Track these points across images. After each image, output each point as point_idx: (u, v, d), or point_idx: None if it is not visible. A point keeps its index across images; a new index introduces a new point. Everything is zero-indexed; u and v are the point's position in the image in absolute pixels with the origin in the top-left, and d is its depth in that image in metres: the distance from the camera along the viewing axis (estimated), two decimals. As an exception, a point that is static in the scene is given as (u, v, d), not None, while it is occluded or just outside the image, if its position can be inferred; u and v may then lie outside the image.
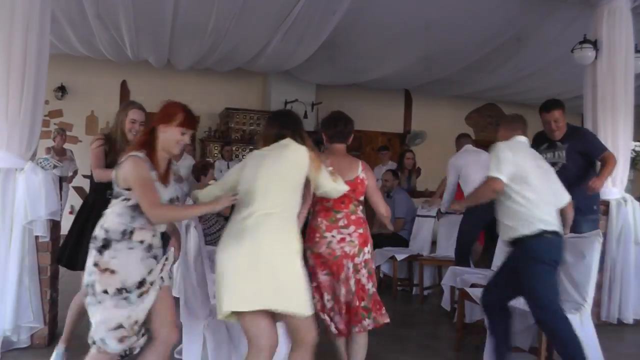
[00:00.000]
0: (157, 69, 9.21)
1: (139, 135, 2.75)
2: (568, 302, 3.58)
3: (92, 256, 2.51)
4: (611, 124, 5.27)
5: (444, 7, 6.45)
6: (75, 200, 8.41)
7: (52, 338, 4.02)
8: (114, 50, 8.11)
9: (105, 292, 2.45)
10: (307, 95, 10.36)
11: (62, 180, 4.47)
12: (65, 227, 4.48)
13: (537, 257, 3.20)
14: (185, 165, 6.40)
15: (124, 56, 8.41)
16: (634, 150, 6.47)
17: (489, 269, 4.88)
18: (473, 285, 4.40)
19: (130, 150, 2.60)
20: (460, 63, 8.55)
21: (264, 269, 2.52)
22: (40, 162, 4.02)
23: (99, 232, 2.54)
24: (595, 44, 5.39)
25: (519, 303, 3.67)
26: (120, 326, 2.46)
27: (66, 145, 8.50)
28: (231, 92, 10.28)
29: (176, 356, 3.49)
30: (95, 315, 2.48)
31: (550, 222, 3.22)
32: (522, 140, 3.49)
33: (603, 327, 4.54)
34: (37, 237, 3.89)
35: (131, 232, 2.52)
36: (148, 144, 2.61)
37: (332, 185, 2.89)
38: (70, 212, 8.93)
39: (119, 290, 2.46)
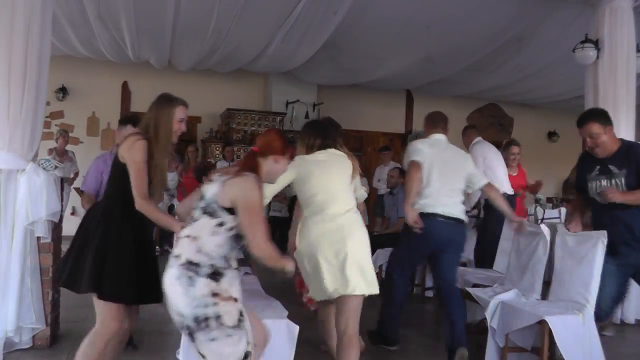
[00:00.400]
0: (158, 69, 9.22)
1: (243, 158, 2.52)
2: (571, 303, 3.58)
3: (202, 285, 2.25)
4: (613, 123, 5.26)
5: (445, 7, 6.45)
6: (76, 202, 8.41)
7: (54, 339, 4.03)
8: (115, 51, 8.12)
9: (235, 325, 2.27)
10: (308, 95, 10.38)
11: (64, 182, 4.47)
12: (66, 229, 4.48)
13: (408, 227, 3.88)
14: None
15: (125, 57, 8.42)
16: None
17: (490, 269, 4.88)
18: (475, 286, 4.39)
19: (239, 170, 2.41)
20: (461, 63, 8.55)
21: (358, 257, 3.00)
22: (42, 163, 4.03)
23: (199, 257, 2.28)
24: (596, 44, 5.39)
25: (520, 303, 3.67)
26: (247, 355, 2.31)
27: (67, 147, 8.50)
28: (232, 92, 10.29)
29: (178, 357, 3.48)
30: (218, 350, 2.26)
31: (431, 205, 3.86)
32: (439, 137, 4.08)
33: (605, 327, 4.52)
34: (38, 238, 3.89)
35: (230, 259, 2.37)
36: (255, 169, 2.44)
37: (361, 192, 3.41)
38: (72, 214, 8.94)
39: (241, 318, 2.32)
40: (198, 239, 2.30)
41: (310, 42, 7.60)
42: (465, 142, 5.99)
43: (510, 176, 5.85)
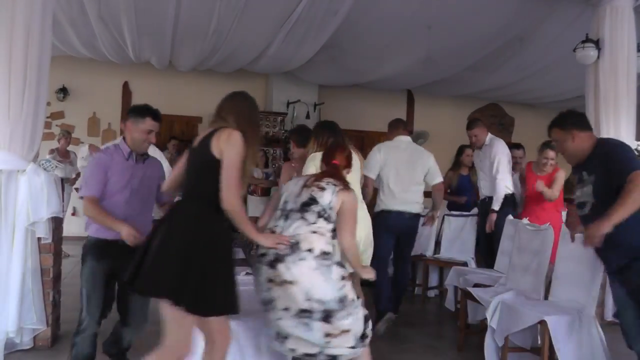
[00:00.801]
0: (159, 70, 9.22)
1: (329, 169, 2.99)
2: (571, 303, 3.58)
3: (335, 271, 2.61)
4: (613, 123, 5.25)
5: (446, 7, 6.44)
6: (77, 202, 8.43)
7: (55, 339, 4.03)
8: (116, 52, 8.12)
9: (357, 298, 2.70)
10: (309, 95, 10.37)
11: (64, 182, 4.47)
12: (67, 229, 4.49)
13: (376, 227, 4.04)
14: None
15: (126, 57, 8.42)
16: (636, 150, 6.40)
17: (491, 269, 4.88)
18: (476, 285, 4.39)
19: (343, 183, 2.84)
20: (462, 63, 8.54)
21: (365, 241, 3.68)
22: (43, 164, 4.02)
23: (330, 248, 2.66)
24: (597, 43, 5.38)
25: (520, 303, 3.67)
26: (367, 318, 2.77)
27: (68, 147, 8.49)
28: (233, 93, 10.25)
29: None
30: (355, 321, 2.65)
31: (387, 203, 4.70)
32: (401, 139, 4.83)
33: (606, 327, 4.51)
34: (39, 239, 3.90)
35: None
36: (344, 181, 2.92)
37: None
38: (73, 214, 8.94)
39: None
40: (324, 234, 2.66)
41: (311, 43, 7.60)
42: (479, 135, 5.47)
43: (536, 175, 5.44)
